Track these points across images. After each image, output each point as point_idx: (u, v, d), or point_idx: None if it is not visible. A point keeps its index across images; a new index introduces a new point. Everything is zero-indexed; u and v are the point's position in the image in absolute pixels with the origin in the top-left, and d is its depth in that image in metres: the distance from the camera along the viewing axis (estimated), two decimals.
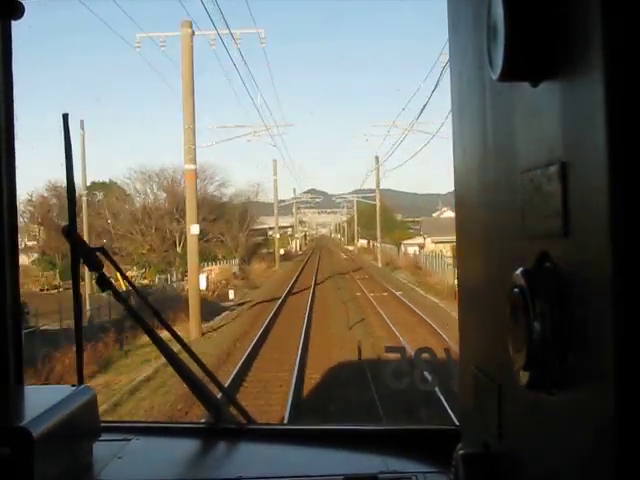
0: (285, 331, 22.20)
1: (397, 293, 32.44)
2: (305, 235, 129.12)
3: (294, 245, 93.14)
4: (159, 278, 44.15)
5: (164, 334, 2.65)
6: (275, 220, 69.42)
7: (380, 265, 58.08)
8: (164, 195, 53.19)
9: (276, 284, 41.21)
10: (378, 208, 64.19)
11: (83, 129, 35.31)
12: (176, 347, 2.66)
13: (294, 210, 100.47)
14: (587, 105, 0.84)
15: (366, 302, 29.75)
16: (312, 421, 10.53)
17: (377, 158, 61.35)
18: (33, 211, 50.30)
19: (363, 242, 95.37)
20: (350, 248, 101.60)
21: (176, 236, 47.81)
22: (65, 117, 2.47)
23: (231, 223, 55.20)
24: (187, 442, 2.49)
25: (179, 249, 47.03)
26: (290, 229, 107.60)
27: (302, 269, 54.90)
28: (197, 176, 28.37)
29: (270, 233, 67.07)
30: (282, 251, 65.96)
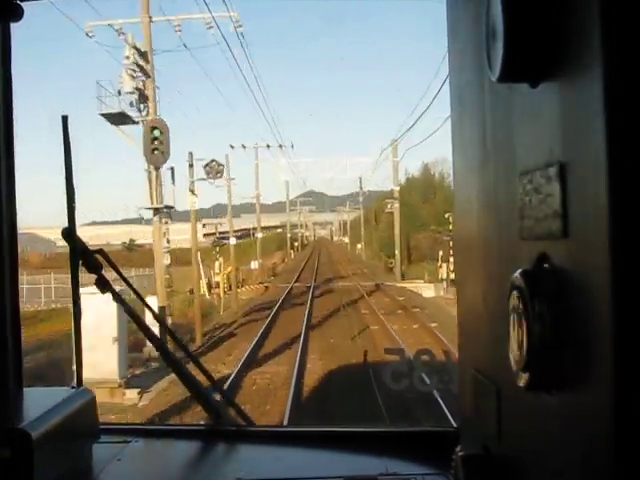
0: None
1: None
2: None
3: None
4: None
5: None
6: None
7: None
8: None
9: None
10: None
11: None
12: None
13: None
14: (586, 106, 0.84)
15: None
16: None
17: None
18: None
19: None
20: (429, 295, 31.49)
21: None
22: (65, 119, 2.47)
23: None
24: (186, 444, 2.49)
25: None
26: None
27: None
28: None
29: None
30: None
